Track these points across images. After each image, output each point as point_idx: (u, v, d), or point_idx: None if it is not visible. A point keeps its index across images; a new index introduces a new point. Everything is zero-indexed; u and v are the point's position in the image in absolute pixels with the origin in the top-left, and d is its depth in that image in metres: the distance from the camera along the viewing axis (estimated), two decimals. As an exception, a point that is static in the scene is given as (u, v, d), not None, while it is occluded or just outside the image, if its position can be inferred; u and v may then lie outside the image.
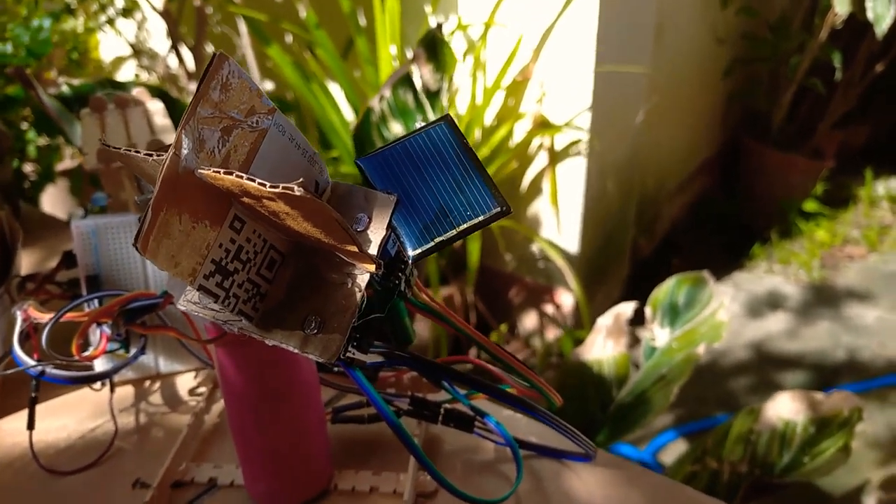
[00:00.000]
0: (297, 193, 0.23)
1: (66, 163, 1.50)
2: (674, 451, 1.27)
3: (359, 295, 0.28)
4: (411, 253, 0.29)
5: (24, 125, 1.22)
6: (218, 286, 0.27)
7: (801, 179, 1.96)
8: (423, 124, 0.30)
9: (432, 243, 0.29)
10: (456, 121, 1.22)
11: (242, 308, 0.28)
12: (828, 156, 1.96)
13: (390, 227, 0.28)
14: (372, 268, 0.28)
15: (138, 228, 0.23)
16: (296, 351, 0.28)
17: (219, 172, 0.23)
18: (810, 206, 1.94)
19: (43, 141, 1.27)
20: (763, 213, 1.99)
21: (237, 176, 0.23)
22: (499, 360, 0.37)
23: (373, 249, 0.27)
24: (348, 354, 0.31)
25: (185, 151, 0.24)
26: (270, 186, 0.23)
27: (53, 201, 1.56)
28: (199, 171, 0.24)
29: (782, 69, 1.88)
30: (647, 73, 1.47)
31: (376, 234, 0.28)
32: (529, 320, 1.58)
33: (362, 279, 0.28)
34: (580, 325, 1.44)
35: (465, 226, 0.29)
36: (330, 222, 0.25)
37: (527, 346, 1.57)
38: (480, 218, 0.28)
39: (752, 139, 2.00)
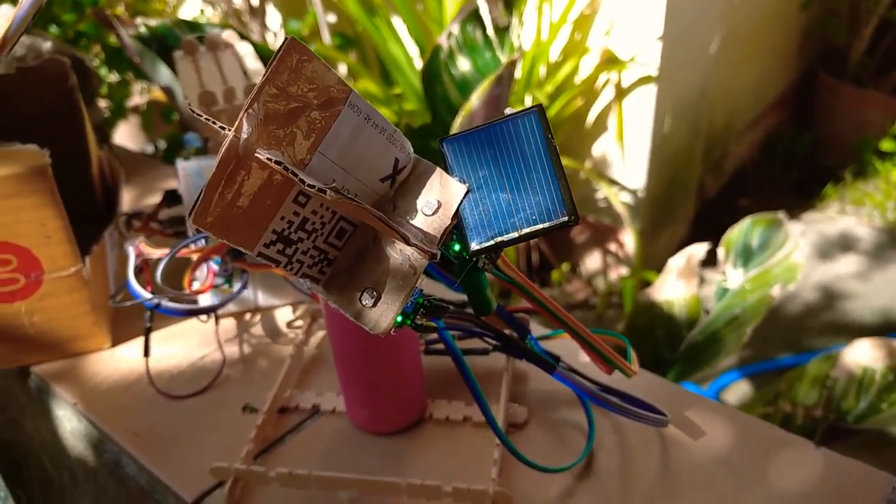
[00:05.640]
0: (329, 198, 0.24)
1: (136, 98, 1.54)
2: (736, 391, 1.27)
3: (414, 278, 0.29)
4: (474, 246, 0.29)
5: (96, 62, 1.25)
6: (279, 253, 0.28)
7: (878, 117, 1.87)
8: (513, 111, 0.29)
9: (492, 242, 0.29)
10: (520, 56, 1.18)
11: (308, 272, 0.29)
12: (909, 92, 1.87)
13: (456, 216, 0.28)
14: (426, 260, 0.29)
15: (193, 203, 0.24)
16: (351, 319, 0.29)
17: (270, 161, 0.24)
18: (888, 145, 1.86)
19: (114, 77, 1.30)
20: (837, 152, 1.92)
21: (284, 167, 0.24)
22: (576, 332, 0.37)
23: (435, 235, 0.28)
24: (417, 321, 0.32)
25: (244, 136, 0.24)
26: (308, 185, 0.24)
27: (122, 136, 1.61)
28: (257, 153, 0.25)
29: (863, 1, 1.78)
30: (721, 3, 1.41)
31: (442, 221, 0.28)
32: (592, 260, 1.58)
33: (420, 263, 0.29)
34: (641, 266, 1.43)
35: (527, 230, 0.28)
36: (373, 220, 0.26)
37: (588, 285, 1.58)
38: (545, 224, 0.28)
39: (828, 74, 1.91)
